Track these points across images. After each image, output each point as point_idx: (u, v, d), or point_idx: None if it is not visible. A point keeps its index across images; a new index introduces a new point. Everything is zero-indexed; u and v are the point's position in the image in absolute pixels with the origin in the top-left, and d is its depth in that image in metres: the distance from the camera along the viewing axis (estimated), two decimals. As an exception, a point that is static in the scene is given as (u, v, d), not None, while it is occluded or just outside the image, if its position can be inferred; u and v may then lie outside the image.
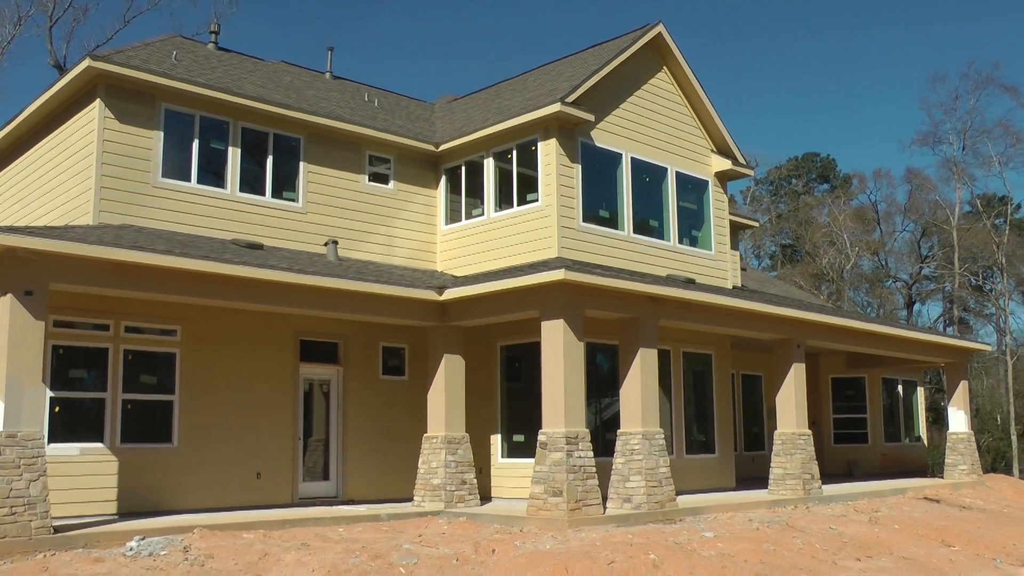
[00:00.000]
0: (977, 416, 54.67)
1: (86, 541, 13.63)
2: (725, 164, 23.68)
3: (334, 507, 18.46)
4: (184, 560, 12.24)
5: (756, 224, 37.01)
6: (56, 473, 15.62)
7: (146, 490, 17.27)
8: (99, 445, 16.94)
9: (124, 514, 16.64)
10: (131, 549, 12.95)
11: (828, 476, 27.16)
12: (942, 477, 28.45)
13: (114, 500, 16.87)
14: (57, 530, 13.82)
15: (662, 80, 22.93)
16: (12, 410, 13.66)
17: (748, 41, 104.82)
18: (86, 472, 16.64)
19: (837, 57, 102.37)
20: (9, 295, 13.93)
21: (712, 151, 23.78)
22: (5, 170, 22.27)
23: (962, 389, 28.41)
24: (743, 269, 31.75)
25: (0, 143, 21.83)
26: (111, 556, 12.70)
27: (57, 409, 16.59)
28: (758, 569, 12.57)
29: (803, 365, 22.19)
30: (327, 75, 25.92)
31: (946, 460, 28.04)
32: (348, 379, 20.46)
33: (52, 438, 16.13)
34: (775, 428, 22.01)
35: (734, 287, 24.15)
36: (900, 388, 33.76)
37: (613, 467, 18.02)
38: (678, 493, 18.60)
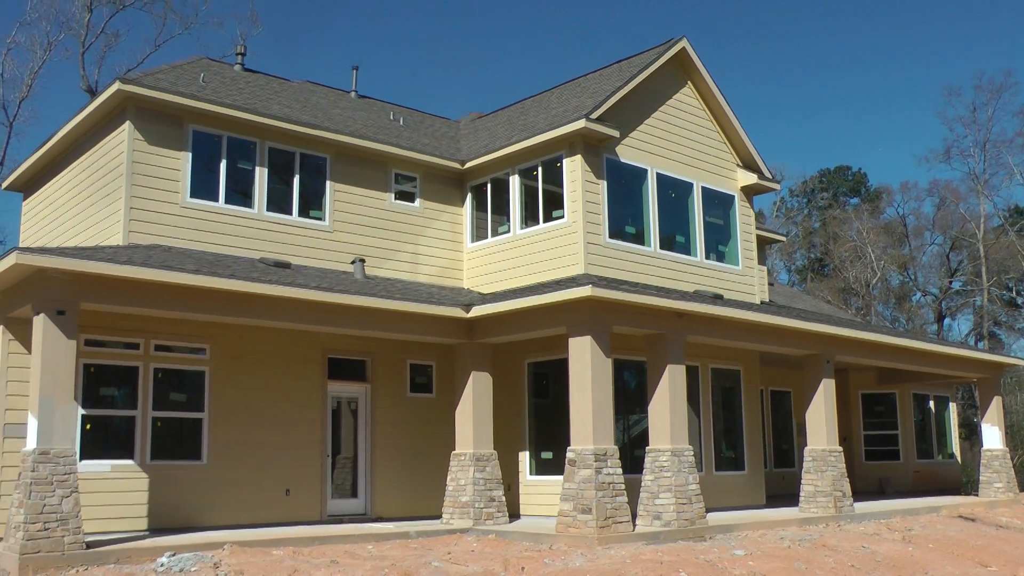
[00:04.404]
0: (1011, 432, 53.95)
1: (118, 557, 13.74)
2: (751, 178, 23.63)
3: (363, 524, 18.49)
4: (214, 577, 12.30)
5: (783, 239, 36.91)
6: (88, 489, 15.73)
7: (176, 506, 17.36)
8: (130, 462, 17.05)
9: (155, 530, 16.73)
10: (162, 565, 13.02)
11: (859, 494, 26.97)
12: (976, 495, 28.13)
13: (145, 516, 16.97)
14: (89, 545, 13.94)
15: (687, 95, 22.93)
16: (45, 428, 13.80)
17: (778, 48, 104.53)
18: (117, 488, 16.76)
19: (864, 66, 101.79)
20: (41, 315, 14.09)
21: (738, 165, 23.73)
22: (38, 192, 22.52)
23: (996, 405, 28.10)
24: (771, 284, 31.62)
25: (33, 166, 22.12)
26: (142, 572, 12.78)
27: (88, 427, 16.71)
28: (789, 587, 12.48)
29: (832, 381, 22.04)
30: (352, 94, 26.07)
31: (980, 478, 27.71)
32: (376, 396, 20.50)
33: (84, 455, 16.27)
34: (805, 445, 21.86)
35: (762, 302, 24.06)
36: (932, 404, 33.46)
37: (642, 484, 17.97)
38: (708, 510, 18.52)
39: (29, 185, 23.17)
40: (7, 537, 14.02)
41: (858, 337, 22.97)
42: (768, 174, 24.11)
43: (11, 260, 13.78)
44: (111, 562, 13.57)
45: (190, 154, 18.83)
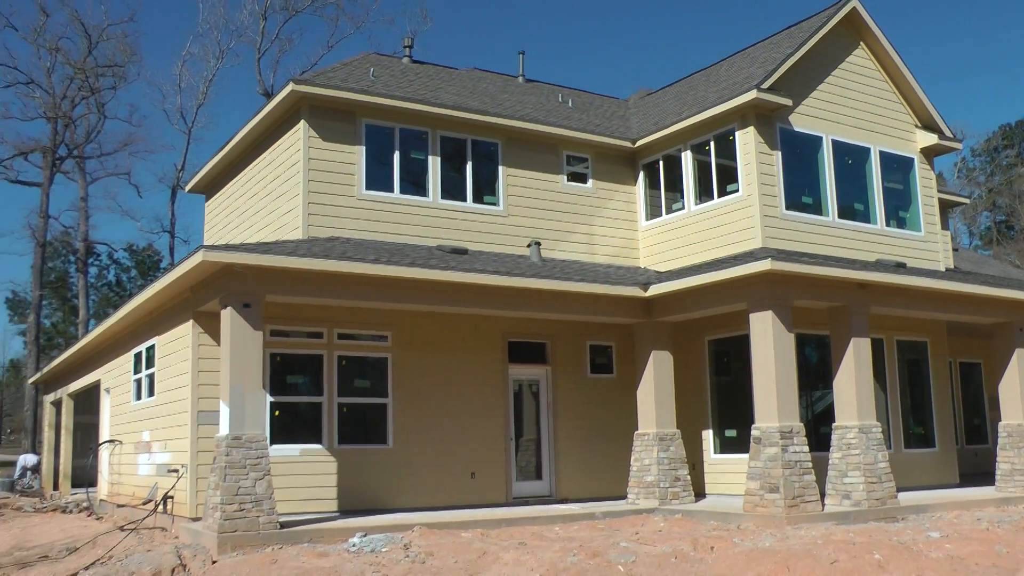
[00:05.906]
0: None
1: (311, 536, 14.24)
2: (931, 139, 22.63)
3: (548, 506, 18.57)
4: (405, 557, 12.51)
5: (966, 201, 35.36)
6: (279, 472, 16.28)
7: (364, 489, 17.78)
8: (318, 446, 17.54)
9: (344, 512, 17.19)
10: (354, 545, 13.35)
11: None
12: None
13: (334, 498, 17.45)
14: (283, 526, 14.50)
15: (860, 57, 22.12)
16: (236, 415, 14.40)
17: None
18: (307, 472, 17.28)
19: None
20: (229, 308, 14.64)
21: (916, 126, 22.76)
22: (219, 192, 23.38)
23: None
24: (955, 249, 30.34)
25: (213, 168, 22.98)
26: (335, 551, 13.14)
27: (277, 413, 17.27)
28: (991, 573, 11.88)
29: (1027, 350, 21.03)
30: (520, 79, 26.13)
31: None
32: (557, 378, 20.53)
33: (274, 440, 16.81)
34: (998, 419, 20.94)
35: (947, 269, 23.06)
36: None
37: (829, 462, 17.51)
38: (898, 489, 17.91)
39: (211, 187, 24.09)
40: (205, 517, 14.73)
41: (1054, 303, 21.80)
42: (949, 133, 23.06)
43: (198, 258, 14.36)
44: (304, 541, 14.04)
45: (364, 147, 19.21)
